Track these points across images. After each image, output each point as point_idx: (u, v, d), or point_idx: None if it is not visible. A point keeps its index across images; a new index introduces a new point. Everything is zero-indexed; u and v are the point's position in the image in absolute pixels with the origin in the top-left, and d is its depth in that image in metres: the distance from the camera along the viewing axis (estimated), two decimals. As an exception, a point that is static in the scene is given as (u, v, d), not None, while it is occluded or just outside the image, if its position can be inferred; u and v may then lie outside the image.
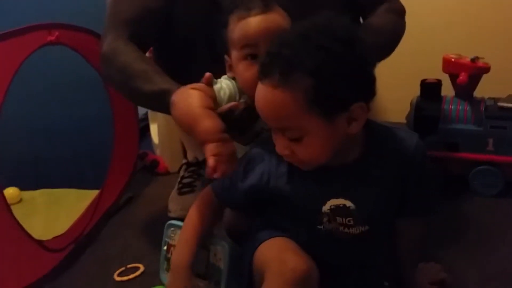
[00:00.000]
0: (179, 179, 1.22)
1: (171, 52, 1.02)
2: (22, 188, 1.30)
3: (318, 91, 0.59)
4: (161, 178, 1.39)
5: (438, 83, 1.18)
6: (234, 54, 0.78)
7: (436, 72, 1.20)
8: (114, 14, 0.97)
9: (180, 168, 1.26)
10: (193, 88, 0.75)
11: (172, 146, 1.37)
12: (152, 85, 0.84)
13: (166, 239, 0.85)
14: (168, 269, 0.83)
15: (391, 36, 1.00)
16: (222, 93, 0.78)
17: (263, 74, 0.63)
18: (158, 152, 1.47)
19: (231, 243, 0.78)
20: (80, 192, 1.27)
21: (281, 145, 0.66)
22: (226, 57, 0.82)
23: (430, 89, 1.17)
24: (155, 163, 1.42)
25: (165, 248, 0.85)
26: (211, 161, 0.67)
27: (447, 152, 1.16)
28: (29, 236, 0.93)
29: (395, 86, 1.67)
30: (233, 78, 0.81)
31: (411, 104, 1.20)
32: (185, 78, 0.80)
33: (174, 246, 0.82)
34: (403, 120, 1.24)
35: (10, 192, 1.25)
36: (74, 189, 1.30)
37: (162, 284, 0.85)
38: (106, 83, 1.15)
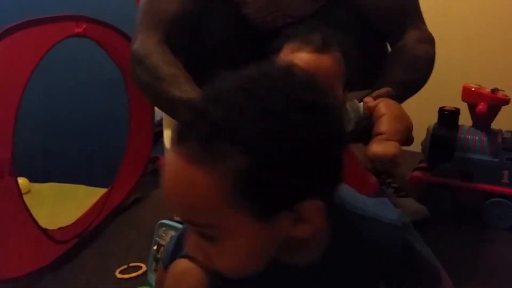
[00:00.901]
0: None
1: (197, 59, 1.00)
2: (32, 180, 1.30)
3: (251, 176, 0.40)
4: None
5: (456, 112, 1.17)
6: None
7: (455, 101, 1.20)
8: (148, 13, 0.96)
9: None
10: None
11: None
12: (181, 92, 0.82)
13: (157, 239, 0.84)
14: (156, 270, 0.82)
15: (425, 70, 0.98)
16: None
17: (179, 138, 0.42)
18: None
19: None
20: (89, 189, 1.27)
21: (192, 244, 0.46)
22: None
23: (447, 117, 1.17)
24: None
25: (155, 248, 0.84)
26: None
27: (461, 182, 1.15)
28: (36, 223, 0.93)
29: (412, 112, 1.67)
30: None
31: (427, 130, 1.19)
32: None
33: (164, 246, 0.81)
34: (419, 147, 1.23)
35: (20, 182, 1.23)
36: (83, 185, 1.30)
37: (150, 285, 0.85)
38: (128, 83, 1.17)
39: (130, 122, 1.23)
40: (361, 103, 0.83)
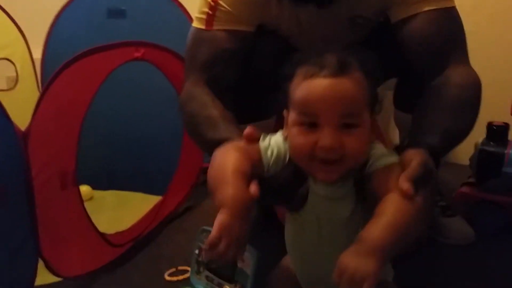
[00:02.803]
0: None
1: (246, 93, 0.98)
2: (95, 187, 1.42)
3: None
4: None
5: (505, 126, 1.15)
6: (291, 115, 0.66)
7: (505, 115, 1.18)
8: (191, 58, 0.98)
9: None
10: (235, 147, 0.68)
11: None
12: (214, 133, 0.82)
13: (199, 243, 0.90)
14: (198, 272, 0.89)
15: (472, 116, 0.84)
16: (269, 152, 0.69)
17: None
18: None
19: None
20: (146, 197, 1.36)
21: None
22: (284, 111, 0.70)
23: (496, 132, 1.15)
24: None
25: (196, 251, 0.90)
26: (215, 230, 0.58)
27: (510, 198, 1.12)
28: (95, 228, 1.03)
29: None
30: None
31: (475, 146, 1.18)
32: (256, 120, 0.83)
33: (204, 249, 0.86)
34: (468, 161, 1.21)
35: (84, 189, 1.36)
36: (141, 193, 1.40)
37: (193, 286, 0.91)
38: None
39: (184, 136, 1.31)
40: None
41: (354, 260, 0.55)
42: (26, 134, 0.87)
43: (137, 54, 1.12)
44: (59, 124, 0.95)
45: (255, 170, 0.66)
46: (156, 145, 1.41)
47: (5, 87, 1.59)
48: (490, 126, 1.17)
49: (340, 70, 0.63)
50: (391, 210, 0.59)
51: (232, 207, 0.59)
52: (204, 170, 1.48)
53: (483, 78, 1.44)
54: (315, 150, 0.63)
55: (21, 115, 0.93)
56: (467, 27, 1.45)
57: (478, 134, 1.20)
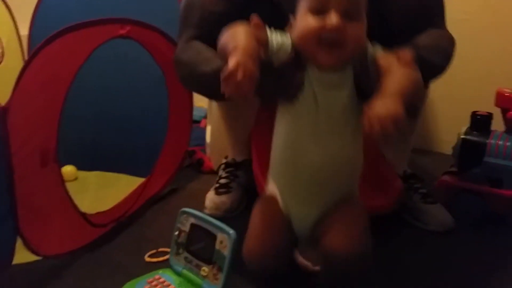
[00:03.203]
0: (217, 178, 1.28)
1: None
2: (80, 167, 1.42)
3: None
4: (205, 176, 1.46)
5: (488, 116, 1.16)
6: (303, 4, 0.74)
7: (490, 105, 1.19)
8: (184, 20, 1.06)
9: (219, 167, 1.32)
10: (244, 27, 0.73)
11: (221, 148, 1.43)
12: (213, 65, 0.89)
13: (178, 225, 0.91)
14: (177, 253, 0.90)
15: (450, 46, 0.99)
16: (274, 38, 0.75)
17: None
18: (208, 151, 1.54)
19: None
20: (130, 178, 1.35)
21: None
22: (290, 16, 0.77)
23: (479, 121, 1.16)
24: (201, 161, 1.49)
25: (176, 233, 0.91)
26: (232, 64, 0.65)
27: (490, 188, 1.13)
28: (76, 207, 1.02)
29: (444, 116, 1.66)
30: None
31: (458, 134, 1.19)
32: None
33: (184, 231, 0.89)
34: (450, 150, 1.22)
35: (68, 169, 1.37)
36: (126, 174, 1.39)
37: (171, 267, 0.91)
38: (168, 81, 1.25)
39: (169, 117, 1.31)
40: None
41: (383, 105, 0.65)
42: (5, 109, 0.86)
43: (122, 32, 1.10)
44: (41, 100, 0.93)
45: (261, 51, 0.72)
46: (142, 125, 1.40)
47: None
48: (474, 115, 1.18)
49: None
50: (399, 73, 0.71)
51: (245, 48, 0.67)
52: (190, 153, 1.49)
53: (469, 69, 1.48)
54: (322, 32, 0.71)
55: (7, 92, 0.91)
56: (456, 16, 1.47)
57: (461, 123, 1.22)
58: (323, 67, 0.74)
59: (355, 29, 0.72)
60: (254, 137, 1.20)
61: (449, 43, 0.99)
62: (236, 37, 0.70)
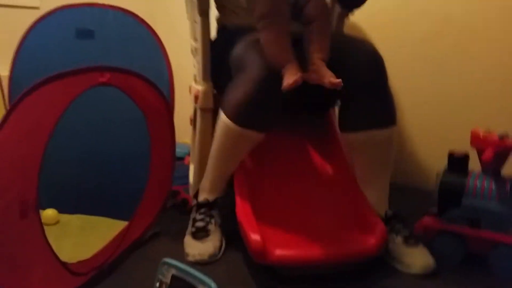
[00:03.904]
0: (191, 222, 1.27)
1: None
2: (62, 210, 1.40)
3: None
4: (188, 217, 1.45)
5: (465, 157, 1.18)
6: None
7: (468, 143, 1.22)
8: None
9: (191, 210, 1.32)
10: None
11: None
12: None
13: (159, 276, 0.90)
14: None
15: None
16: None
17: None
18: (191, 191, 1.54)
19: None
20: (112, 222, 1.35)
21: None
22: None
23: (457, 162, 1.18)
24: (185, 201, 1.49)
25: (157, 284, 0.90)
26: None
27: (469, 228, 1.15)
28: (57, 257, 1.01)
29: (423, 155, 1.69)
30: None
31: (437, 175, 1.21)
32: None
33: (166, 283, 0.88)
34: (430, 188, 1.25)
35: (49, 213, 1.35)
36: (108, 218, 1.38)
37: None
38: (149, 123, 1.26)
39: (151, 159, 1.31)
40: None
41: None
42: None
43: (102, 79, 1.11)
44: (20, 150, 0.93)
45: None
46: (124, 168, 1.40)
47: None
48: (451, 156, 1.20)
49: None
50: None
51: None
52: (173, 194, 1.49)
53: (445, 107, 1.51)
54: None
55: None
56: (430, 53, 1.52)
57: (441, 158, 1.24)
58: None
59: None
60: (237, 182, 1.21)
61: None
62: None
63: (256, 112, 1.13)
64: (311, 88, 1.07)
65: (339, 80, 1.00)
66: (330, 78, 1.01)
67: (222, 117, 1.20)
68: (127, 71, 1.19)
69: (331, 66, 1.07)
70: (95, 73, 1.09)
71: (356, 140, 1.20)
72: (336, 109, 1.34)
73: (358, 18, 1.68)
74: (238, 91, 1.15)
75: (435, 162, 1.23)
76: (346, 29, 1.51)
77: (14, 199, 0.93)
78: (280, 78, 1.04)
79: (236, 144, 1.21)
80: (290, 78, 1.00)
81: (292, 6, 1.13)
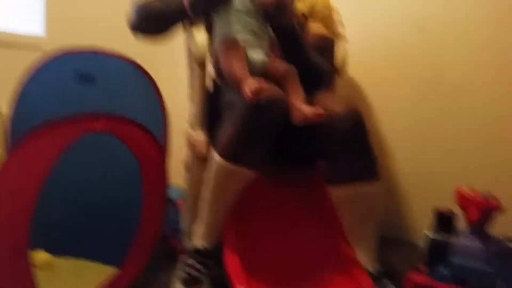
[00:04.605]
0: (183, 267, 1.26)
1: None
2: (53, 251, 1.40)
3: None
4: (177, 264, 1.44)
5: (451, 215, 1.20)
6: None
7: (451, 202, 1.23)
8: None
9: (180, 256, 1.32)
10: None
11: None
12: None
13: None
14: None
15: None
16: None
17: None
18: (184, 237, 1.54)
19: None
20: (102, 268, 1.34)
21: None
22: None
23: (443, 220, 1.20)
24: (175, 248, 1.49)
25: None
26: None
27: (455, 287, 1.15)
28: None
29: (411, 206, 1.72)
30: None
31: (424, 233, 1.22)
32: None
33: None
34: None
35: (41, 256, 1.35)
36: (98, 263, 1.38)
37: None
38: (143, 168, 1.28)
39: (144, 202, 1.32)
40: None
41: None
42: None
43: (97, 126, 1.14)
44: (14, 198, 0.95)
45: None
46: (116, 211, 1.41)
47: None
48: (437, 214, 1.21)
49: None
50: None
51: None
52: (163, 239, 1.49)
53: (430, 164, 1.53)
54: None
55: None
56: (417, 115, 1.56)
57: (426, 218, 1.26)
58: None
59: None
60: (226, 232, 1.22)
61: (327, 69, 1.41)
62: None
63: (244, 147, 1.18)
64: (296, 137, 1.12)
65: (322, 111, 1.10)
66: (311, 112, 1.10)
67: (214, 156, 1.23)
68: (122, 118, 1.22)
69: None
70: (90, 120, 1.12)
71: (339, 194, 1.23)
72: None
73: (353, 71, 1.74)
74: (227, 129, 1.21)
75: (423, 215, 1.25)
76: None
77: (6, 245, 0.94)
78: (266, 113, 1.11)
79: (228, 183, 1.23)
80: (252, 84, 1.08)
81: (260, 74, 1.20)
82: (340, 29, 1.54)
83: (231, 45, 1.20)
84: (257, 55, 1.23)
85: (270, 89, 1.14)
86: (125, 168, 1.37)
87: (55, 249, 1.41)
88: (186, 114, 1.57)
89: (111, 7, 2.23)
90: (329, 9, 1.50)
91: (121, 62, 1.52)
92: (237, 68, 1.16)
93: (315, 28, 1.44)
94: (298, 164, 1.43)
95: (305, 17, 1.44)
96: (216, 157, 1.23)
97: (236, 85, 1.15)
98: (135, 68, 1.52)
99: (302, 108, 1.13)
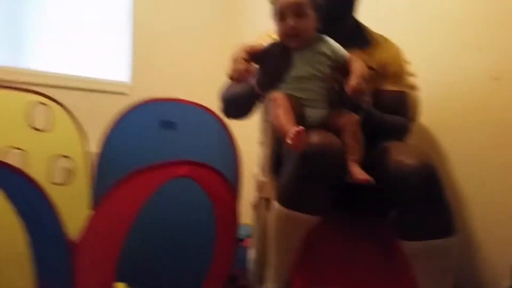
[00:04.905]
0: None
1: None
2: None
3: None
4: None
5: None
6: (275, 20, 1.24)
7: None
8: None
9: None
10: None
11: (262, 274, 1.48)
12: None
13: None
14: None
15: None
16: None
17: None
18: (251, 277, 1.59)
19: None
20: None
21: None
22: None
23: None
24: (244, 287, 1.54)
25: None
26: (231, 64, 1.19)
27: None
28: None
29: (489, 262, 1.64)
30: None
31: (502, 285, 1.19)
32: None
33: None
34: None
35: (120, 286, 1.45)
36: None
37: None
38: (217, 212, 1.36)
39: (215, 242, 1.39)
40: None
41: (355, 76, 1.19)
42: (74, 245, 0.99)
43: (181, 172, 1.25)
44: (104, 239, 1.06)
45: None
46: (188, 251, 1.49)
47: (59, 180, 1.70)
48: None
49: None
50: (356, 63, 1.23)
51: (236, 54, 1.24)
52: (231, 278, 1.55)
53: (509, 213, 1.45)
54: (286, 30, 1.21)
55: (70, 214, 1.04)
56: (494, 162, 1.48)
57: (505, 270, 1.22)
58: (293, 48, 1.23)
59: (304, 24, 1.20)
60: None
61: (402, 126, 1.43)
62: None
63: (300, 194, 1.19)
64: (360, 190, 1.14)
65: (367, 177, 1.12)
66: (356, 175, 1.12)
67: (274, 203, 1.27)
68: (201, 164, 1.32)
69: (379, 169, 1.17)
70: (174, 166, 1.23)
71: (411, 250, 1.20)
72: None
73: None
74: (283, 176, 1.25)
75: (501, 267, 1.21)
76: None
77: (96, 278, 1.04)
78: (315, 161, 1.14)
79: (289, 228, 1.25)
80: (292, 132, 1.08)
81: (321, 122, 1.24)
82: (412, 80, 1.54)
83: (278, 99, 1.22)
84: (315, 110, 1.24)
85: (321, 137, 1.16)
86: (197, 208, 1.47)
87: (132, 284, 1.51)
88: (255, 157, 1.66)
89: (191, 59, 2.47)
90: (400, 61, 1.49)
91: (198, 110, 1.65)
92: (282, 119, 1.16)
93: (387, 83, 1.44)
94: (367, 212, 1.39)
95: (374, 70, 1.41)
96: (275, 203, 1.26)
97: (281, 136, 1.15)
98: (212, 115, 1.64)
99: (351, 168, 1.15)
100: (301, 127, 1.07)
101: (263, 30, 1.43)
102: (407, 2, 1.83)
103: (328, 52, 1.24)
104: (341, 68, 1.24)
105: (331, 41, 1.26)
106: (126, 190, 1.11)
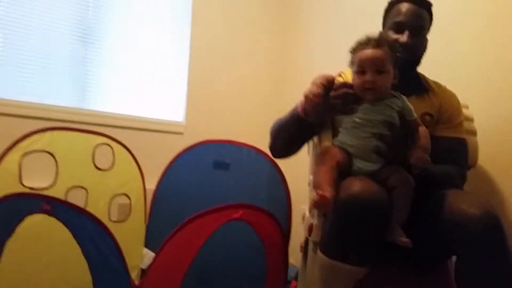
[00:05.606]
0: None
1: None
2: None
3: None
4: None
5: None
6: (353, 68, 1.25)
7: None
8: None
9: None
10: None
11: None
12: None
13: None
14: None
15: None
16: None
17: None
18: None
19: None
20: None
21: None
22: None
23: None
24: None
25: None
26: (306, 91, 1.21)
27: None
28: None
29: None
30: None
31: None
32: None
33: None
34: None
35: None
36: None
37: None
38: (267, 252, 1.39)
39: (266, 282, 1.42)
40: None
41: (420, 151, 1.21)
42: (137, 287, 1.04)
43: (235, 215, 1.28)
44: (164, 283, 1.11)
45: None
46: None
47: (116, 217, 1.79)
48: None
49: (377, 46, 1.21)
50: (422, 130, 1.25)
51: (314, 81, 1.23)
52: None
53: None
54: (364, 83, 1.21)
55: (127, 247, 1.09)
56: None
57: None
58: (368, 99, 1.24)
59: (381, 79, 1.21)
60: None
61: (458, 176, 1.39)
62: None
63: (342, 244, 1.17)
64: (416, 235, 1.12)
65: (407, 241, 1.12)
66: (398, 237, 1.13)
67: (318, 253, 1.26)
68: (256, 208, 1.36)
69: (437, 217, 1.16)
70: (231, 210, 1.27)
71: None
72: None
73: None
74: (328, 222, 1.23)
75: None
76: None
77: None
78: (353, 213, 1.12)
79: (333, 279, 1.23)
80: (317, 193, 1.11)
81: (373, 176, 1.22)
82: (470, 125, 1.52)
83: (328, 154, 1.23)
84: (366, 163, 1.23)
85: (363, 186, 1.14)
86: (249, 249, 1.50)
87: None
88: (304, 198, 1.68)
89: (242, 99, 2.56)
90: (455, 105, 1.46)
91: (250, 151, 1.71)
92: (321, 177, 1.17)
93: (443, 129, 1.42)
94: (420, 262, 1.34)
95: (430, 116, 1.41)
96: (319, 252, 1.25)
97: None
98: (263, 155, 1.69)
99: (393, 229, 1.14)
100: (328, 193, 1.11)
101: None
102: (469, 46, 1.83)
103: (397, 108, 1.24)
104: (405, 127, 1.25)
105: (405, 100, 1.26)
106: (185, 234, 1.17)
